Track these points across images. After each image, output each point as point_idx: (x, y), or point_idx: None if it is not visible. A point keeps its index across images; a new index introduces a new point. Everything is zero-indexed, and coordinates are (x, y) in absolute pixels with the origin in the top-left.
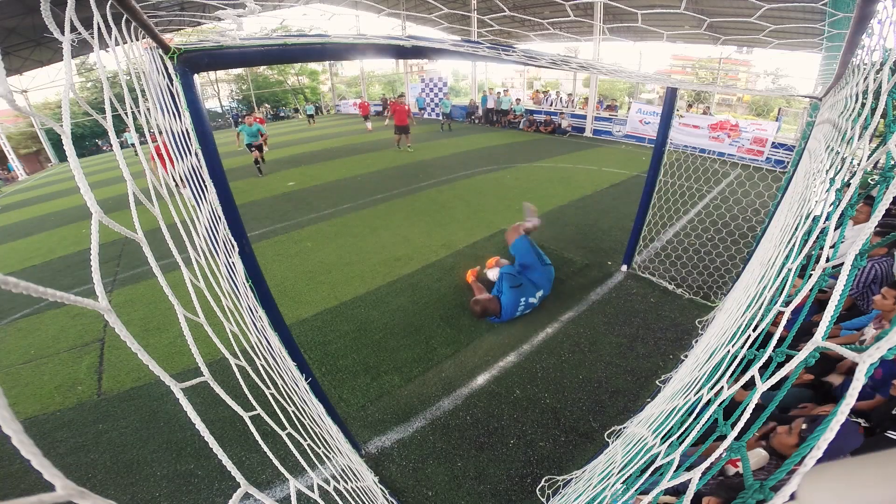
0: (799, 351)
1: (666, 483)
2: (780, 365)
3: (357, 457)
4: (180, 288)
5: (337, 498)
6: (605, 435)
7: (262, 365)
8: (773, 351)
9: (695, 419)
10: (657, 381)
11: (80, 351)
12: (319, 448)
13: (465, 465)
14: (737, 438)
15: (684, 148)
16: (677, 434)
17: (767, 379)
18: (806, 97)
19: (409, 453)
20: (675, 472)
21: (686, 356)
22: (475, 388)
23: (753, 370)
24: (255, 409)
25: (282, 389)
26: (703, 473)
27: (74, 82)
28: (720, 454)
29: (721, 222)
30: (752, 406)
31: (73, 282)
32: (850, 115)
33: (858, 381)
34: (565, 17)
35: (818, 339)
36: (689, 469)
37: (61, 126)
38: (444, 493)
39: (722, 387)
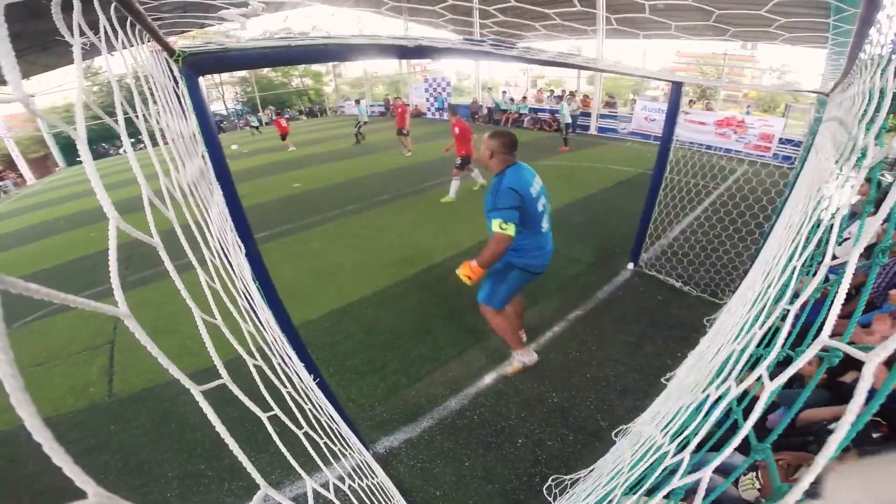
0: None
1: (677, 482)
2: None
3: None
4: (192, 290)
5: (351, 497)
6: (613, 434)
7: (278, 363)
8: (779, 349)
9: (704, 417)
10: (662, 380)
11: (92, 353)
12: (335, 445)
13: (473, 465)
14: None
15: (690, 145)
16: (688, 430)
17: (777, 378)
18: (813, 92)
19: (417, 453)
20: (683, 471)
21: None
22: (482, 387)
23: (761, 368)
24: (272, 409)
25: (298, 388)
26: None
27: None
28: (731, 450)
29: (728, 219)
30: (762, 403)
31: (84, 285)
32: (858, 111)
33: (866, 381)
34: (570, 8)
35: (824, 337)
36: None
37: (75, 130)
38: (452, 493)
39: (730, 385)
